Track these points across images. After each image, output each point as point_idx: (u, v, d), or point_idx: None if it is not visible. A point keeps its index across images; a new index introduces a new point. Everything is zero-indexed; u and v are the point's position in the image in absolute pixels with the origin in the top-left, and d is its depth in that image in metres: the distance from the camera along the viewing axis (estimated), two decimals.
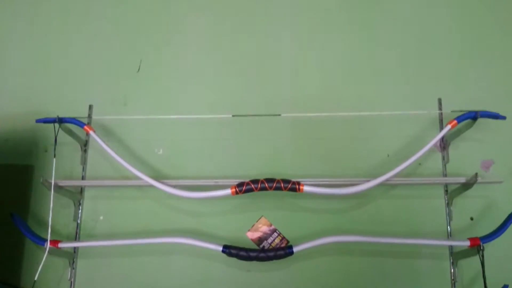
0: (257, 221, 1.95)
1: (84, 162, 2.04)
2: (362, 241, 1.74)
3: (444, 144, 1.95)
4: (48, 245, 1.76)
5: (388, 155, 1.99)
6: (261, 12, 2.23)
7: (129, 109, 2.13)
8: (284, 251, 1.73)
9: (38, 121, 1.91)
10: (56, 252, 1.83)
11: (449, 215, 1.89)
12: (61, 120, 1.88)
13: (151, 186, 1.79)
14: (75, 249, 1.95)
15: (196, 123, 2.01)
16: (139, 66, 2.18)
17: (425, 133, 2.00)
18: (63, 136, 1.94)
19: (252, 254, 1.73)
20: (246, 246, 1.80)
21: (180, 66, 2.17)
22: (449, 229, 1.88)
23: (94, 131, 1.87)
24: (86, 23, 2.27)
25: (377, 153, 2.00)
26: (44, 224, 1.97)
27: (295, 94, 2.08)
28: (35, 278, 1.72)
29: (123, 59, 2.20)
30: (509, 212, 1.73)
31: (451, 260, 1.85)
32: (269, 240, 1.91)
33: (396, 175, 1.74)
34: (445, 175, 1.93)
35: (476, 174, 1.70)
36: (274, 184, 1.73)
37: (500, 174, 1.93)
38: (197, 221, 1.98)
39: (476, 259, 1.70)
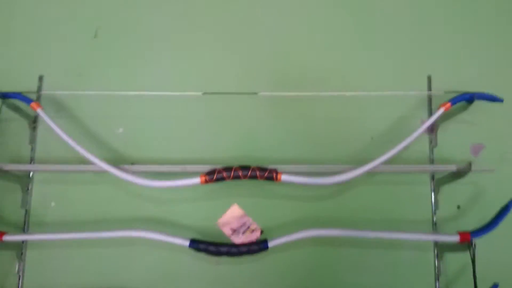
0: (228, 209, 1.77)
1: (33, 141, 1.80)
2: (342, 235, 1.61)
3: (432, 127, 1.79)
4: None
5: (372, 138, 1.82)
6: None
7: (85, 81, 1.88)
8: (258, 246, 1.58)
9: None
10: (1, 245, 1.63)
11: (435, 204, 1.75)
12: (4, 96, 1.64)
13: None
14: (24, 240, 1.74)
15: (162, 100, 1.79)
16: (96, 31, 1.92)
17: (412, 113, 1.83)
18: (8, 112, 1.70)
19: (222, 249, 1.58)
20: (216, 237, 1.66)
21: (143, 33, 1.92)
22: (435, 219, 1.75)
23: (43, 109, 1.64)
24: None
25: (361, 136, 1.83)
26: None
27: (274, 70, 1.87)
28: None
29: (78, 23, 1.93)
30: (498, 201, 1.62)
31: (436, 252, 1.72)
32: (242, 230, 1.75)
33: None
34: (432, 160, 1.79)
35: (470, 163, 1.56)
36: (249, 172, 1.57)
37: (490, 160, 1.80)
38: (162, 209, 1.79)
39: (462, 251, 1.60)
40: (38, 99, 1.79)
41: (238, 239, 1.71)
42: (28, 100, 1.65)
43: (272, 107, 1.83)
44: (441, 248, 1.71)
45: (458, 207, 1.78)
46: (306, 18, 1.93)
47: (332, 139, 1.83)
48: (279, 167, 1.61)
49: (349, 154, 1.82)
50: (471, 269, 1.58)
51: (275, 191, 1.78)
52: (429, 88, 1.83)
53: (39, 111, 1.62)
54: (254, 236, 1.71)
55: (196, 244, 1.56)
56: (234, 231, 1.73)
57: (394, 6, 1.93)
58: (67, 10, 1.95)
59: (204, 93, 1.70)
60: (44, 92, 1.81)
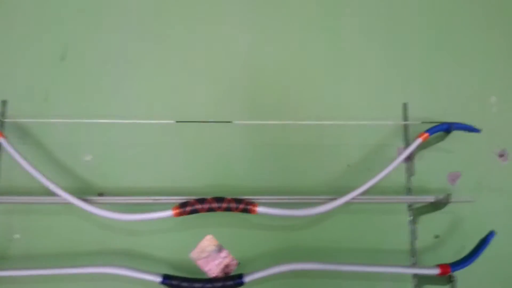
0: (202, 240, 1.70)
1: None
2: (320, 269, 1.55)
3: (409, 155, 1.77)
4: None
5: (348, 165, 1.79)
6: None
7: (51, 106, 1.79)
8: (233, 281, 1.51)
9: None
10: None
11: (414, 233, 1.73)
12: None
13: None
14: None
15: (133, 126, 1.71)
16: (64, 53, 1.83)
17: (388, 141, 1.81)
18: None
19: (196, 285, 1.50)
20: (190, 270, 1.63)
21: (114, 57, 1.83)
22: (413, 250, 1.72)
23: (5, 138, 1.55)
24: None
25: (337, 163, 1.79)
26: None
27: (248, 98, 1.82)
28: None
29: (45, 44, 1.84)
30: (476, 230, 1.59)
31: (414, 284, 1.69)
32: (217, 262, 1.68)
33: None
34: (409, 189, 1.76)
35: (449, 194, 1.54)
36: (224, 204, 1.51)
37: (467, 188, 1.79)
38: (132, 240, 1.70)
39: (441, 283, 1.57)
40: (1, 126, 1.69)
41: (213, 272, 1.65)
42: None
43: (247, 135, 1.77)
44: (420, 280, 1.68)
45: (436, 236, 1.76)
46: (281, 46, 1.89)
47: (308, 166, 1.79)
48: (254, 198, 1.56)
49: (326, 182, 1.78)
50: None
51: (251, 221, 1.73)
52: (405, 115, 1.81)
53: (2, 141, 1.53)
54: (230, 269, 1.65)
55: (169, 280, 1.49)
56: (209, 263, 1.67)
57: (369, 32, 1.91)
58: (33, 30, 1.85)
59: (177, 121, 1.63)
60: (7, 120, 1.71)
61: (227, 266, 1.68)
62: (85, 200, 1.52)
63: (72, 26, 1.86)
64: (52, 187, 1.49)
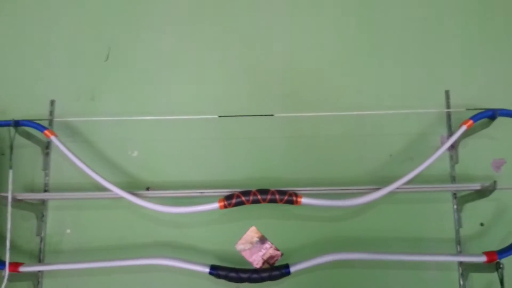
0: (246, 232, 1.73)
1: (46, 167, 1.78)
2: (365, 259, 1.56)
3: (453, 143, 1.75)
4: (7, 272, 1.51)
5: (390, 155, 1.79)
6: None
7: (98, 105, 1.86)
8: (279, 271, 1.53)
9: None
10: (17, 276, 1.58)
11: (459, 221, 1.71)
12: (17, 123, 1.61)
13: None
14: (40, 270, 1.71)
15: (177, 122, 1.75)
16: (108, 55, 1.89)
17: (430, 129, 1.80)
18: (21, 138, 1.67)
19: (243, 275, 1.53)
20: (236, 260, 1.66)
21: (155, 55, 1.89)
22: (458, 238, 1.70)
23: (56, 136, 1.61)
24: (44, 5, 1.94)
25: (379, 153, 1.79)
26: (2, 239, 1.71)
27: (289, 91, 1.84)
28: None
29: (89, 46, 1.91)
30: None
31: (460, 272, 1.68)
32: (261, 253, 1.71)
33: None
34: (453, 177, 1.75)
35: (495, 182, 1.52)
36: (268, 196, 1.53)
37: None
38: (179, 233, 1.75)
39: (487, 271, 1.55)
40: (50, 124, 1.76)
41: (258, 262, 1.67)
42: (41, 128, 1.62)
43: (287, 128, 1.80)
44: (465, 268, 1.67)
45: (482, 224, 1.74)
46: (319, 38, 1.90)
47: (349, 157, 1.80)
48: (297, 189, 1.58)
49: (368, 172, 1.79)
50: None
51: (294, 212, 1.75)
52: (447, 103, 1.80)
53: (53, 138, 1.59)
54: (274, 259, 1.68)
55: (216, 271, 1.52)
56: (253, 254, 1.70)
57: (409, 21, 1.90)
58: (77, 33, 1.92)
59: (220, 116, 1.66)
60: (56, 119, 1.78)
61: (271, 257, 1.71)
62: (135, 194, 1.56)
63: (115, 28, 1.93)
64: (104, 182, 1.54)
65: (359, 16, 1.91)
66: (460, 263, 1.68)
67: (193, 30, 1.91)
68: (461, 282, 1.68)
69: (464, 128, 1.56)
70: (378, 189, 1.55)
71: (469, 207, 1.72)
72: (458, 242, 1.71)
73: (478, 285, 1.69)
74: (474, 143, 1.77)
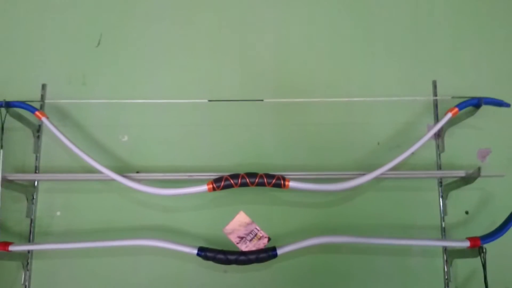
0: (235, 217, 1.75)
1: (37, 150, 1.79)
2: (351, 242, 1.59)
3: (439, 132, 1.78)
4: None
5: (378, 143, 1.82)
6: None
7: (89, 89, 1.87)
8: (267, 253, 1.56)
9: None
10: (7, 255, 1.60)
11: (444, 209, 1.74)
12: (8, 104, 1.62)
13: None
14: (29, 250, 1.72)
15: (167, 107, 1.77)
16: (99, 40, 1.90)
17: (418, 118, 1.83)
18: (12, 121, 1.68)
19: (231, 257, 1.55)
20: (223, 245, 1.65)
21: (146, 40, 1.90)
22: (443, 225, 1.73)
23: (47, 118, 1.62)
24: None
25: (367, 141, 1.82)
26: None
27: (279, 77, 1.86)
28: None
29: (81, 31, 1.92)
30: (507, 206, 1.58)
31: (445, 258, 1.71)
32: (248, 238, 1.73)
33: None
34: (439, 165, 1.78)
35: (479, 168, 1.55)
36: (257, 179, 1.55)
37: (497, 164, 1.79)
38: (168, 217, 1.77)
39: (471, 257, 1.58)
40: (41, 107, 1.77)
41: (245, 246, 1.70)
42: (32, 109, 1.63)
43: (277, 114, 1.82)
44: (450, 254, 1.70)
45: (467, 212, 1.78)
46: (310, 25, 1.92)
47: (338, 144, 1.82)
48: (286, 174, 1.60)
49: (356, 160, 1.81)
50: (481, 275, 1.54)
51: (281, 198, 1.77)
52: (435, 93, 1.82)
53: (44, 120, 1.61)
54: (261, 243, 1.70)
55: (204, 252, 1.54)
56: (241, 238, 1.72)
57: (398, 11, 1.92)
58: (70, 18, 1.93)
59: (210, 100, 1.68)
60: (48, 101, 1.79)
61: (258, 241, 1.73)
62: (125, 177, 1.58)
63: (107, 13, 1.94)
64: (94, 163, 1.55)
65: (350, 5, 1.93)
66: (445, 250, 1.71)
67: (185, 16, 1.92)
68: (446, 269, 1.70)
69: (449, 115, 1.59)
70: (364, 174, 1.57)
71: (454, 195, 1.76)
72: (443, 229, 1.73)
73: (462, 272, 1.72)
74: (460, 133, 1.80)
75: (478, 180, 1.63)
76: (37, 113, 1.62)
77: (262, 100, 1.70)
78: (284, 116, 1.82)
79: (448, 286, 1.70)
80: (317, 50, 1.90)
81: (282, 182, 1.54)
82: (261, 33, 1.91)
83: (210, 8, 1.93)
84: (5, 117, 1.62)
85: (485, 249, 1.52)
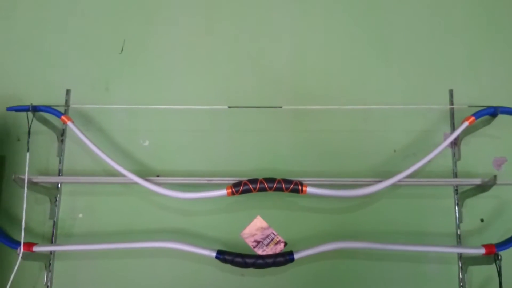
0: (252, 221, 1.78)
1: (61, 153, 1.84)
2: (367, 247, 1.61)
3: (455, 140, 1.80)
4: (21, 250, 1.57)
5: (395, 151, 1.84)
6: None
7: (111, 95, 1.92)
8: (284, 257, 1.59)
9: (9, 109, 1.71)
10: (30, 255, 1.64)
11: (459, 217, 1.76)
12: (35, 109, 1.69)
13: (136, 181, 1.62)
14: (52, 251, 1.77)
15: (187, 113, 1.81)
16: (122, 47, 1.96)
17: (435, 127, 1.85)
18: (37, 125, 1.75)
19: (248, 260, 1.58)
20: (240, 248, 1.67)
21: (168, 48, 1.96)
22: (458, 232, 1.75)
23: (73, 122, 1.67)
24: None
25: (383, 148, 1.84)
26: (17, 221, 1.79)
27: (297, 84, 1.90)
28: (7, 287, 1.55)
29: (104, 38, 1.98)
30: None
31: (460, 265, 1.72)
32: (265, 242, 1.76)
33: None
34: (455, 173, 1.80)
35: (495, 176, 1.56)
36: (275, 184, 1.58)
37: None
38: (187, 220, 1.81)
39: (486, 264, 1.59)
40: (66, 112, 1.83)
41: (262, 251, 1.73)
42: (58, 114, 1.69)
43: (294, 120, 1.86)
44: (465, 261, 1.71)
45: (482, 220, 1.79)
46: (327, 33, 1.96)
47: (354, 151, 1.85)
48: (303, 179, 1.62)
49: (372, 167, 1.83)
50: (496, 282, 1.56)
51: (298, 204, 1.80)
52: (451, 102, 1.85)
53: (70, 124, 1.66)
54: (278, 248, 1.73)
55: (222, 256, 1.57)
56: (258, 243, 1.75)
57: (414, 20, 1.96)
58: (94, 26, 1.99)
59: (230, 107, 1.72)
60: (73, 105, 1.85)
61: (275, 245, 1.75)
62: (146, 180, 1.62)
63: (130, 21, 2.00)
64: (116, 166, 1.60)
65: (367, 15, 1.97)
66: (460, 257, 1.72)
67: (205, 24, 1.97)
68: (461, 276, 1.72)
69: (466, 124, 1.61)
70: (381, 181, 1.60)
71: (469, 203, 1.77)
72: (459, 236, 1.75)
73: (477, 279, 1.73)
74: (476, 142, 1.82)
75: (494, 188, 1.64)
76: (63, 117, 1.68)
77: (281, 107, 1.74)
78: (301, 123, 1.85)
79: None
80: (334, 58, 1.94)
81: (299, 187, 1.57)
82: (279, 41, 1.95)
83: (230, 17, 1.99)
84: (31, 121, 1.68)
85: (501, 256, 1.53)
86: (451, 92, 1.85)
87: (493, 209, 1.79)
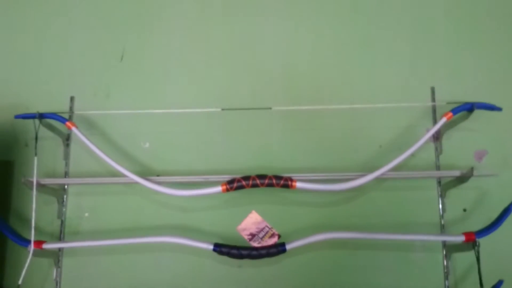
0: (247, 216, 1.90)
1: (66, 157, 1.96)
2: (356, 237, 1.71)
3: (437, 135, 1.91)
4: (32, 247, 1.69)
5: (380, 146, 1.94)
6: None
7: (112, 101, 2.04)
8: (276, 248, 1.69)
9: (17, 117, 1.83)
10: (40, 252, 1.76)
11: (443, 207, 1.86)
12: (41, 116, 1.81)
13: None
14: (60, 248, 1.88)
15: (184, 116, 1.91)
16: (122, 55, 2.08)
17: (418, 123, 1.95)
18: (44, 131, 1.86)
19: (244, 252, 1.69)
20: (237, 242, 1.77)
21: (165, 55, 2.07)
22: (442, 222, 1.85)
23: (77, 127, 1.79)
24: (64, 9, 2.14)
25: (369, 144, 1.95)
26: (27, 222, 1.92)
27: (286, 86, 2.01)
28: (19, 282, 1.66)
29: (105, 47, 2.10)
30: (502, 204, 1.69)
31: (444, 253, 1.82)
32: (260, 235, 1.87)
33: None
34: (438, 166, 1.90)
35: (472, 168, 1.66)
36: (266, 180, 1.68)
37: (493, 165, 1.90)
38: (186, 217, 1.92)
39: (469, 251, 1.68)
40: (70, 118, 1.94)
41: (257, 244, 1.83)
42: (63, 120, 1.80)
43: (285, 121, 1.97)
44: (449, 249, 1.81)
45: (464, 210, 1.88)
46: (314, 36, 2.07)
47: (342, 148, 1.95)
48: (293, 175, 1.73)
49: (359, 163, 1.94)
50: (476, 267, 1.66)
51: (291, 198, 1.91)
52: (433, 99, 1.94)
53: (74, 129, 1.77)
54: (272, 241, 1.84)
55: (219, 248, 1.68)
56: (253, 236, 1.86)
57: (397, 21, 2.06)
58: (95, 35, 2.11)
59: (223, 109, 1.83)
60: (77, 112, 1.97)
61: (270, 238, 1.86)
62: (147, 179, 1.73)
63: (129, 30, 2.11)
64: (119, 167, 1.71)
65: (353, 18, 2.07)
66: (444, 245, 1.82)
67: (199, 32, 2.09)
68: (445, 263, 1.82)
69: (444, 119, 1.71)
70: (366, 175, 1.70)
71: (452, 194, 1.87)
72: (442, 226, 1.85)
73: (461, 266, 1.83)
74: (458, 136, 1.91)
75: (475, 179, 1.73)
76: (67, 123, 1.80)
77: (270, 108, 1.85)
78: (291, 123, 1.96)
79: (447, 279, 1.81)
80: (322, 60, 2.04)
81: (289, 183, 1.67)
82: (270, 46, 2.06)
83: (223, 24, 2.10)
84: (38, 127, 1.79)
85: (479, 242, 1.62)
86: (433, 90, 1.95)
87: (475, 199, 1.89)
